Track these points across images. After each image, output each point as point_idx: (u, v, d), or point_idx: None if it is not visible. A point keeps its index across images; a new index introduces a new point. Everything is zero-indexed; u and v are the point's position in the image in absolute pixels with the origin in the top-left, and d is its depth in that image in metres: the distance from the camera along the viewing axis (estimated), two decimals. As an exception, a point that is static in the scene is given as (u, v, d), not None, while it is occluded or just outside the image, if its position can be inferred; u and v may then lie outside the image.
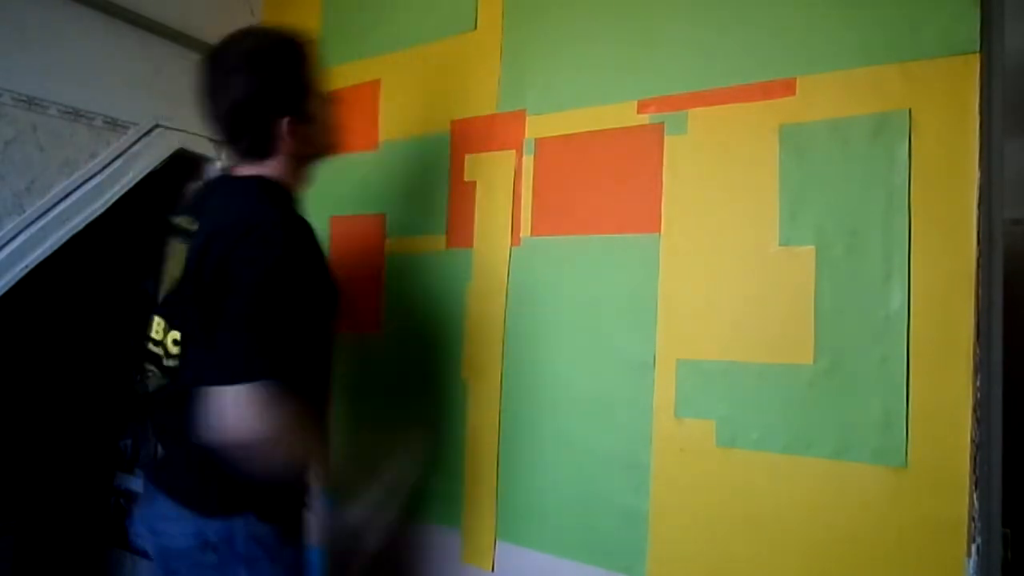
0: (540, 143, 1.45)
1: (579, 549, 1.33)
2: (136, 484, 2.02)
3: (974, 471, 1.00)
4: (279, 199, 1.19)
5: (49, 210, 1.46)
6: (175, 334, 1.15)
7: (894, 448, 1.06)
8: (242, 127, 1.17)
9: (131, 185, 1.61)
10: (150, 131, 1.65)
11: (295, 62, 1.20)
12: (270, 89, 1.16)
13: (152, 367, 1.19)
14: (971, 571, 0.99)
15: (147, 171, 1.65)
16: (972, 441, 1.01)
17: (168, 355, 1.16)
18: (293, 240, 1.10)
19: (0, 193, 1.39)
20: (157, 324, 1.20)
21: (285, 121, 1.17)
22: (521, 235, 1.46)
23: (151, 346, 1.20)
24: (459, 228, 1.55)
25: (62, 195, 1.48)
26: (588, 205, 1.39)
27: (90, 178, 1.53)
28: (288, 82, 1.18)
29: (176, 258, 1.18)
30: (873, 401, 1.08)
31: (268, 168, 1.20)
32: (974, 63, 1.04)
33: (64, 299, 2.27)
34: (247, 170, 1.20)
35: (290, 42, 1.21)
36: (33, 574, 2.13)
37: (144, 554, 1.98)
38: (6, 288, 1.42)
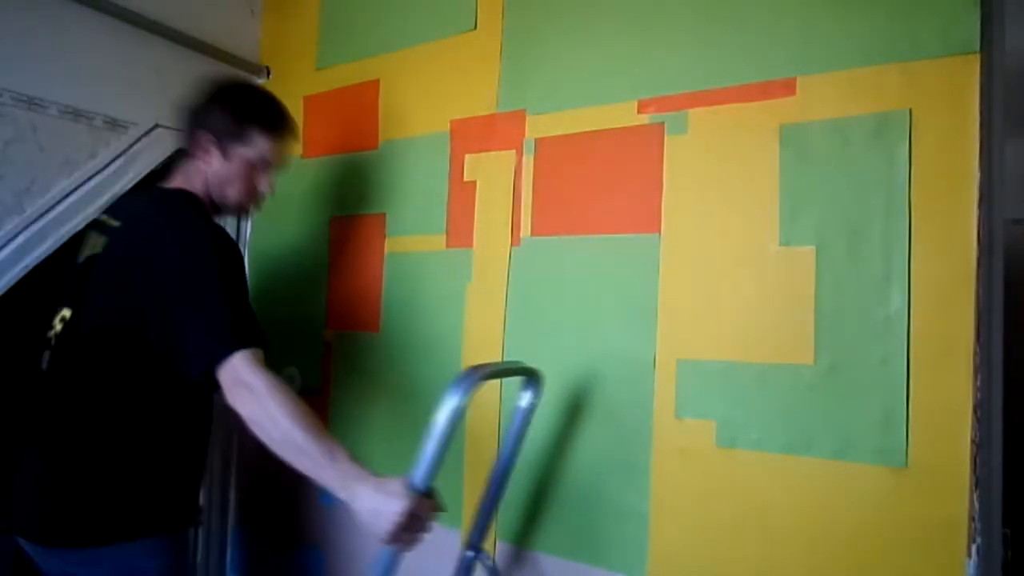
0: (540, 143, 1.45)
1: (579, 549, 1.33)
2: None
3: (974, 471, 1.00)
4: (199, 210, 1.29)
5: (49, 210, 1.46)
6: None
7: (894, 448, 1.06)
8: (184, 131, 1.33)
9: (131, 185, 1.61)
10: (150, 131, 1.65)
11: (253, 109, 1.33)
12: (213, 111, 1.30)
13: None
14: (971, 571, 0.99)
15: (147, 171, 1.65)
16: (972, 441, 1.00)
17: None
18: (221, 236, 1.21)
19: (0, 193, 1.39)
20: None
21: (206, 137, 1.29)
22: (521, 235, 1.46)
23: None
24: (459, 228, 1.55)
25: (62, 195, 1.48)
26: (588, 205, 1.39)
27: (90, 178, 1.53)
28: (233, 115, 1.30)
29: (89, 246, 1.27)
30: (873, 401, 1.08)
31: (191, 182, 1.31)
32: (974, 63, 1.04)
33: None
34: (174, 182, 1.32)
35: (269, 101, 1.37)
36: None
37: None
38: (6, 288, 1.42)
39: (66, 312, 1.23)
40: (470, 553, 1.32)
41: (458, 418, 1.03)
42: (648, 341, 1.28)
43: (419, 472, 1.01)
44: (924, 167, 1.07)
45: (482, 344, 1.48)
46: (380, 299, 1.66)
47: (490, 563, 1.35)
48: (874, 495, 1.07)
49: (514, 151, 1.48)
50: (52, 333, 1.26)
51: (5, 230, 1.40)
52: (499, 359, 1.46)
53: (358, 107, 1.74)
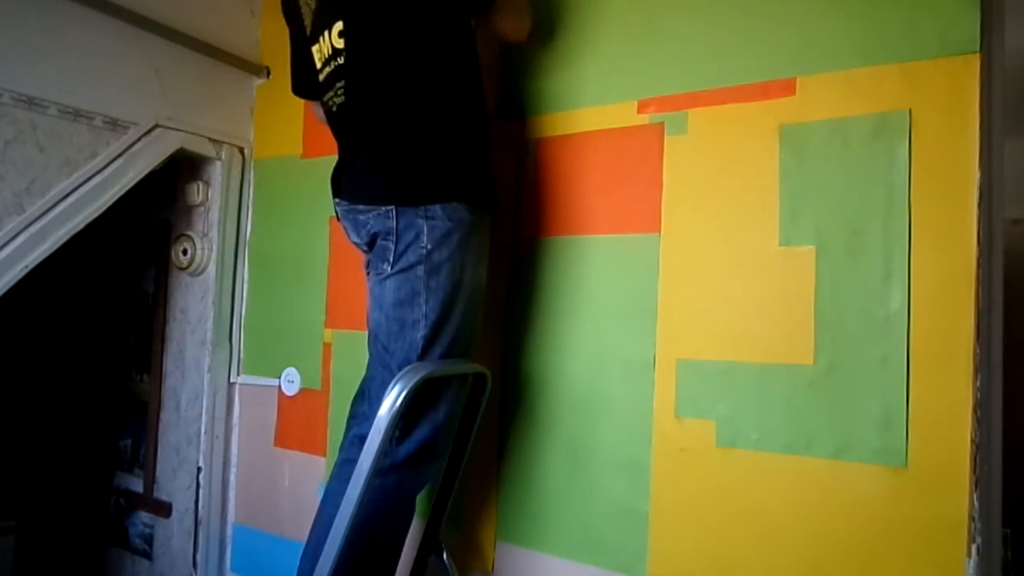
0: (540, 143, 1.45)
1: (579, 549, 1.33)
2: (136, 484, 2.02)
3: (974, 471, 1.00)
4: None
5: (49, 210, 1.46)
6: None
7: (894, 448, 1.06)
8: None
9: (131, 185, 1.61)
10: (150, 131, 1.65)
11: None
12: None
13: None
14: (971, 571, 0.99)
15: (147, 171, 1.65)
16: (972, 441, 1.01)
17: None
18: None
19: (0, 193, 1.39)
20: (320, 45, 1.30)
21: None
22: (521, 235, 1.46)
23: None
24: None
25: (62, 195, 1.48)
26: (588, 205, 1.39)
27: (90, 178, 1.53)
28: None
29: None
30: (873, 401, 1.08)
31: None
32: (974, 63, 1.04)
33: (64, 299, 2.27)
34: None
35: None
36: (33, 574, 2.13)
37: (144, 554, 1.98)
38: (6, 288, 1.42)
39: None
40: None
41: (399, 411, 1.08)
42: (648, 341, 1.29)
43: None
44: (924, 167, 1.07)
45: (482, 344, 1.48)
46: (380, 299, 1.66)
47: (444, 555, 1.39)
48: (874, 495, 1.07)
49: (514, 151, 1.48)
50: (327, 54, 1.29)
51: (5, 230, 1.40)
52: (499, 359, 1.46)
53: (358, 107, 1.74)
